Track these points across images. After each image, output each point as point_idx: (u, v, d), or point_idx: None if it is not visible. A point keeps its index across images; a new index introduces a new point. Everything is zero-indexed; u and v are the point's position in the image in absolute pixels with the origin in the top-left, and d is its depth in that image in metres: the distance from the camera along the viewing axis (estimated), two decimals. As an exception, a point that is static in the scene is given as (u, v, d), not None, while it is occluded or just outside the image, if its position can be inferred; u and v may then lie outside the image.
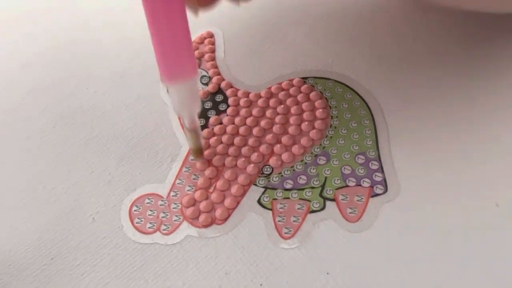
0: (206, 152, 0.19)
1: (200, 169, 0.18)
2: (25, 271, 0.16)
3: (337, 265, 0.15)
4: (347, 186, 0.17)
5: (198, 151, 0.18)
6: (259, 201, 0.17)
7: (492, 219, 0.16)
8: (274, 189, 0.17)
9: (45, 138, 0.20)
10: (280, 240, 0.16)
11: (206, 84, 0.21)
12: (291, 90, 0.20)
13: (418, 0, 0.22)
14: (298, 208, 0.17)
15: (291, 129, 0.19)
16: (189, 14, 0.15)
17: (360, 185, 0.17)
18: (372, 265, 0.15)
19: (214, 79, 0.21)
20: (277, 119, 0.19)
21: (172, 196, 0.18)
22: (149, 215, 0.17)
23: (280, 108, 0.20)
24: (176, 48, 0.14)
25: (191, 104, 0.16)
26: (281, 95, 0.20)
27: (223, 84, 0.21)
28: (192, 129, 0.17)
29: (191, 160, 0.19)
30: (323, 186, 0.17)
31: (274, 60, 0.22)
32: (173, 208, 0.17)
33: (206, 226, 0.17)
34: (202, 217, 0.17)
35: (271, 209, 0.17)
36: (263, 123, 0.19)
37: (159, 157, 0.19)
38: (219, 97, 0.21)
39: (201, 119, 0.20)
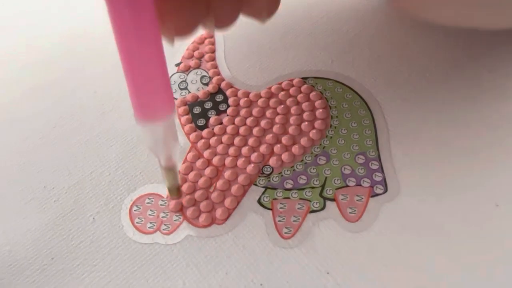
0: (206, 152, 0.19)
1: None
2: (25, 271, 0.16)
3: (337, 265, 0.15)
4: (347, 186, 0.17)
5: (175, 190, 0.17)
6: (259, 201, 0.17)
7: (492, 219, 0.16)
8: (274, 189, 0.17)
9: (45, 138, 0.20)
10: (280, 240, 0.16)
11: (206, 84, 0.21)
12: (291, 90, 0.20)
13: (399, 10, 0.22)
14: (298, 208, 0.17)
15: (291, 129, 0.19)
16: (166, 42, 0.14)
17: (360, 185, 0.17)
18: (372, 265, 0.15)
19: (214, 79, 0.21)
20: (277, 119, 0.19)
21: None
22: (149, 215, 0.17)
23: (280, 108, 0.20)
24: (150, 85, 0.13)
25: (169, 144, 0.14)
26: (281, 95, 0.20)
27: (223, 84, 0.21)
28: (169, 168, 0.15)
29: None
30: (323, 186, 0.17)
31: (274, 60, 0.22)
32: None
33: (206, 226, 0.17)
34: (202, 217, 0.17)
35: (271, 209, 0.17)
36: (263, 123, 0.19)
37: (159, 157, 0.19)
38: (219, 97, 0.21)
39: (201, 119, 0.20)
